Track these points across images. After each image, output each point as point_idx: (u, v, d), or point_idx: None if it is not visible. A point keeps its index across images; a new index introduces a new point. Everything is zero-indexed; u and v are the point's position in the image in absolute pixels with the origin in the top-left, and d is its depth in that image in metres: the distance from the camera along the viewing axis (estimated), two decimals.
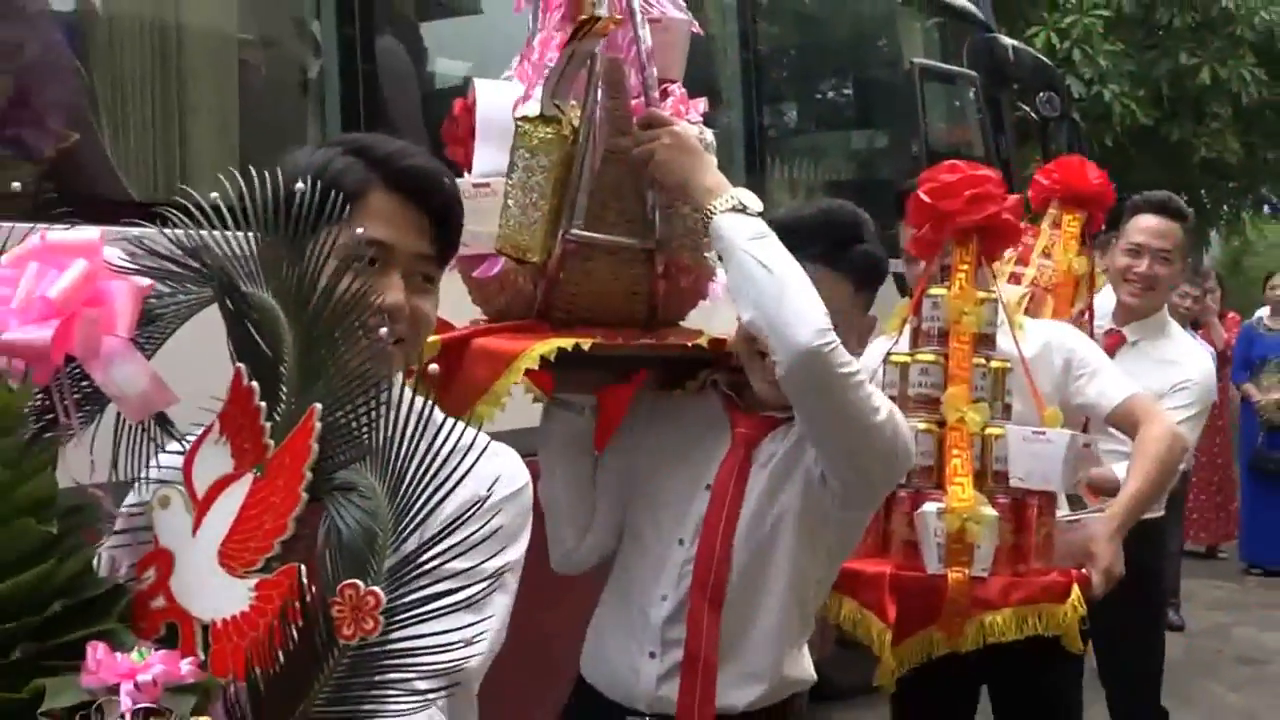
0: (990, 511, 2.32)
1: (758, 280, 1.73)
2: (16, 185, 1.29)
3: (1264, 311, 7.68)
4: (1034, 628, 2.36)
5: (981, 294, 2.45)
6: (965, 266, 2.44)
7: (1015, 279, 3.20)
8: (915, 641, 2.38)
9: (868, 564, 2.38)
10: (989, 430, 2.41)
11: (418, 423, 1.02)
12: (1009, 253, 3.17)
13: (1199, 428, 3.17)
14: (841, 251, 1.93)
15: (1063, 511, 2.53)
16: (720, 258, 1.81)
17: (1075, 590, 2.38)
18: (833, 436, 1.82)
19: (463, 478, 1.01)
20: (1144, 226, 3.28)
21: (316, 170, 1.27)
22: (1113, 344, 3.27)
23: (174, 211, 1.13)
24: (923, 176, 2.56)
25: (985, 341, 2.46)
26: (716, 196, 1.79)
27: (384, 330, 1.09)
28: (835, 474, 1.86)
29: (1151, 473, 2.58)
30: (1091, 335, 3.22)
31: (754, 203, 1.79)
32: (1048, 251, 3.21)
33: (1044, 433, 2.42)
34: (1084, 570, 2.44)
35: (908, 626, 2.36)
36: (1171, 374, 3.08)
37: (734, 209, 1.77)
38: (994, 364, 2.46)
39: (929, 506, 2.33)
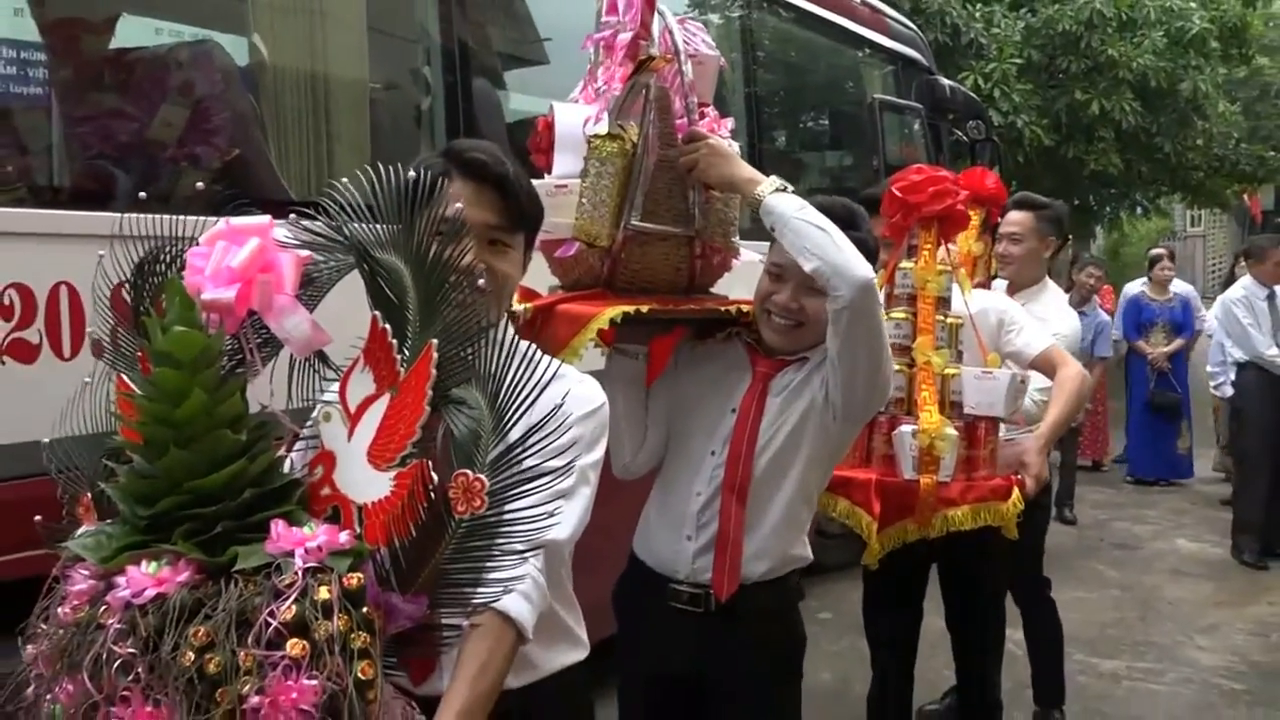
0: (952, 431, 2.29)
1: (815, 238, 1.69)
2: (200, 184, 1.28)
3: (1145, 286, 7.50)
4: (984, 519, 2.35)
5: (940, 267, 2.41)
6: (929, 246, 2.40)
7: None
8: (894, 530, 2.36)
9: (857, 472, 2.36)
10: (948, 370, 2.37)
11: (510, 353, 1.01)
12: None
13: None
14: None
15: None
16: (772, 229, 1.76)
17: (1015, 491, 2.35)
18: (862, 355, 1.76)
19: (542, 391, 1.00)
20: (1006, 219, 3.23)
21: (416, 166, 1.26)
22: None
23: (327, 201, 1.12)
24: (895, 177, 2.50)
25: (943, 303, 2.41)
26: (759, 184, 1.75)
27: (481, 282, 1.07)
28: (846, 391, 1.81)
29: (1068, 403, 2.56)
30: None
31: (788, 184, 1.76)
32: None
33: (991, 372, 2.38)
34: (1018, 476, 2.41)
35: (889, 519, 2.34)
36: (1047, 328, 3.01)
37: (778, 190, 1.74)
38: (950, 320, 2.42)
39: (905, 428, 2.30)
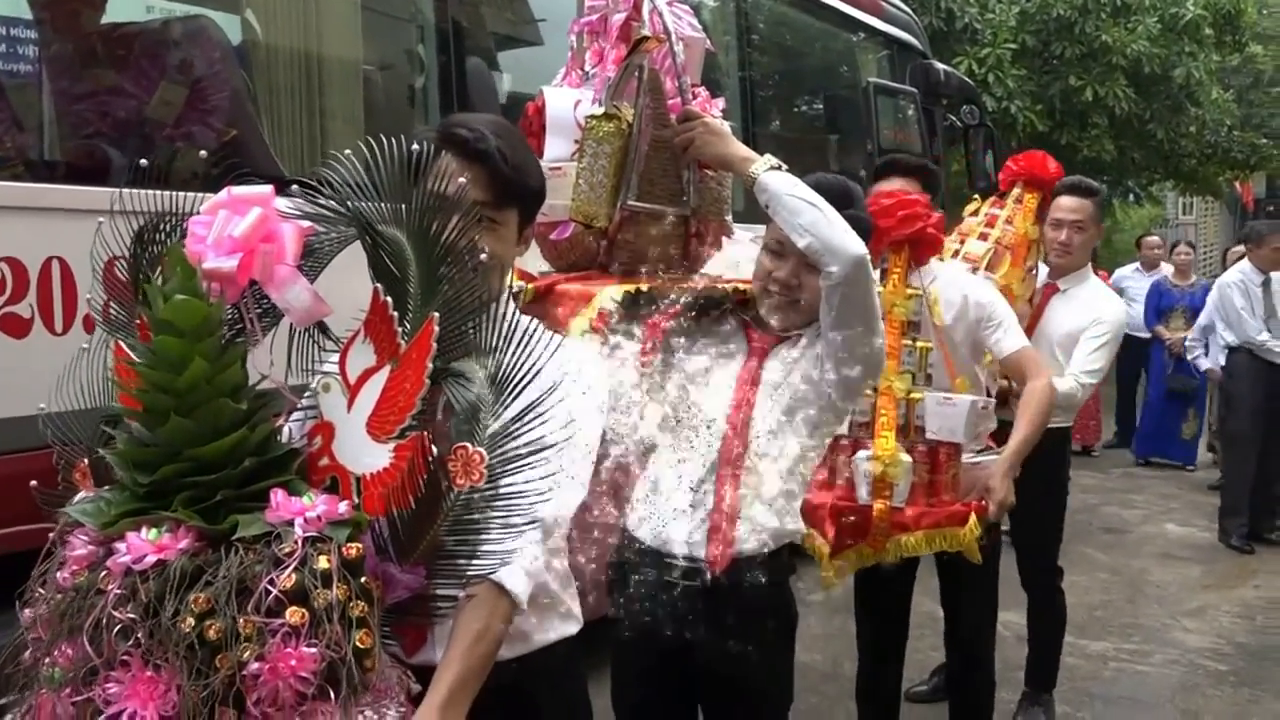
0: (906, 458, 2.26)
1: (808, 215, 1.70)
2: (203, 153, 1.28)
3: (1169, 270, 7.56)
4: (939, 545, 2.31)
5: (909, 290, 2.37)
6: (898, 269, 2.37)
7: (983, 237, 3.12)
8: (849, 554, 2.32)
9: (815, 495, 2.29)
10: (912, 394, 2.33)
11: (511, 329, 1.01)
12: (981, 216, 3.10)
13: (1114, 350, 3.11)
14: None
15: (967, 455, 2.45)
16: (767, 206, 1.76)
17: (973, 517, 2.31)
18: (856, 329, 1.77)
19: (540, 369, 1.00)
20: (1063, 205, 3.19)
21: (413, 140, 1.24)
22: (1049, 293, 3.21)
23: (328, 174, 1.12)
24: (869, 200, 2.39)
25: (912, 327, 2.38)
26: (754, 162, 1.76)
27: (483, 255, 1.07)
28: (840, 366, 1.81)
29: (1034, 420, 2.50)
30: (1034, 287, 3.16)
31: (781, 163, 1.77)
32: (1010, 219, 3.12)
33: (951, 398, 2.36)
34: (983, 501, 2.37)
35: (843, 542, 2.30)
36: (1091, 313, 3.03)
37: (772, 168, 1.74)
38: (919, 344, 2.37)
39: (861, 454, 2.28)
